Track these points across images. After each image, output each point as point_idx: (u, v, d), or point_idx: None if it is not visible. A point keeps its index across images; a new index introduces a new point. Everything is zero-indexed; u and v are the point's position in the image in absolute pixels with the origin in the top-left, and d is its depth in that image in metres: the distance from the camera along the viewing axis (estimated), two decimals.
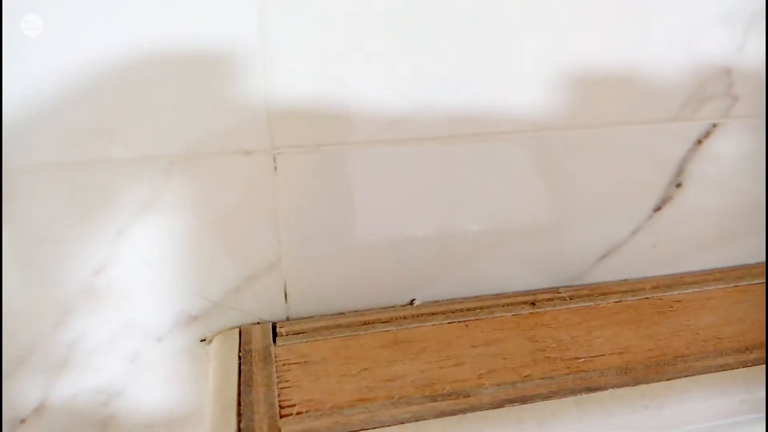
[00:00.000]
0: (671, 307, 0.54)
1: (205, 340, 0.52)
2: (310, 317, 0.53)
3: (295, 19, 0.45)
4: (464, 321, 0.52)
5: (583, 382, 0.44)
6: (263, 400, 0.43)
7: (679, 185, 0.57)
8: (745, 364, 0.46)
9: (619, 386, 0.44)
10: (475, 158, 0.52)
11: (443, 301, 0.55)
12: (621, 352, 0.47)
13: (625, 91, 0.53)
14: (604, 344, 0.48)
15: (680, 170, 0.57)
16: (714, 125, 0.56)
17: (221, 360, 0.49)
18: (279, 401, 0.43)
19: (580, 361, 0.46)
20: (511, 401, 0.42)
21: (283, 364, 0.47)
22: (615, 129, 0.54)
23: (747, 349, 0.48)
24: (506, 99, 0.51)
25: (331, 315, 0.53)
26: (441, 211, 0.53)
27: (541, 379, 0.44)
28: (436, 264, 0.55)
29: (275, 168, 0.49)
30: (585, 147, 0.54)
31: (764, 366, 0.45)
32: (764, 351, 0.47)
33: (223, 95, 0.46)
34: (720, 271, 0.60)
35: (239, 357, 0.48)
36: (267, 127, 0.48)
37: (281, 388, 0.44)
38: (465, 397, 0.43)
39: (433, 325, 0.52)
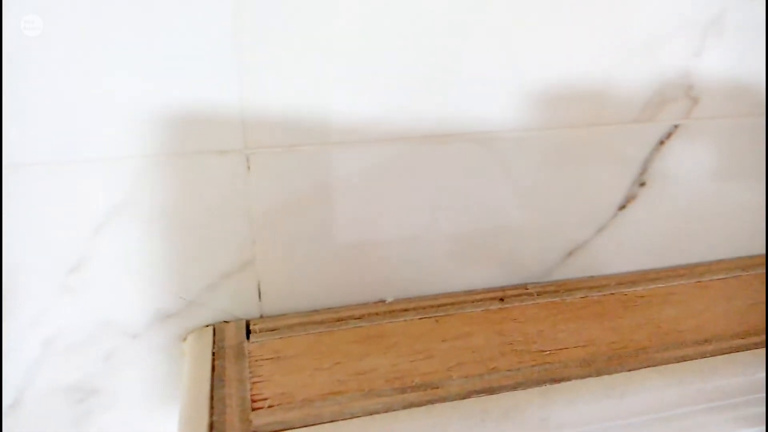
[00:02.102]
0: (635, 302, 0.56)
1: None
2: (283, 315, 0.54)
3: (268, 22, 0.47)
4: (435, 317, 0.54)
5: (547, 373, 0.45)
6: (235, 394, 0.44)
7: (642, 184, 0.59)
8: (703, 355, 0.47)
9: (582, 377, 0.45)
10: (445, 160, 0.53)
11: (414, 297, 0.57)
12: (585, 345, 0.49)
13: (588, 95, 0.55)
14: (569, 337, 0.50)
15: (644, 169, 0.59)
16: (675, 126, 0.58)
17: (195, 357, 0.49)
18: (251, 395, 0.44)
19: (545, 353, 0.48)
20: (478, 392, 0.44)
21: (256, 360, 0.48)
22: (579, 131, 0.56)
23: (706, 341, 0.50)
24: (473, 103, 0.52)
25: (305, 312, 0.54)
26: (413, 211, 0.54)
27: (508, 371, 0.46)
28: (408, 263, 0.56)
29: (248, 168, 0.50)
30: (550, 148, 0.56)
31: (722, 356, 0.47)
32: (722, 342, 0.49)
33: (197, 96, 0.47)
34: (683, 267, 0.62)
35: (213, 354, 0.49)
36: (241, 128, 0.49)
37: (254, 383, 0.45)
38: (433, 388, 0.44)
39: (405, 320, 0.53)
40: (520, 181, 0.56)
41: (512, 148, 0.55)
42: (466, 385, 0.44)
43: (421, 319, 0.53)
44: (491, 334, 0.51)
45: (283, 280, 0.54)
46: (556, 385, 0.44)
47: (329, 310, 0.55)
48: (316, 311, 0.55)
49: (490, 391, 0.44)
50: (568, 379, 0.45)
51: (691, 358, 0.47)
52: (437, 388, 0.44)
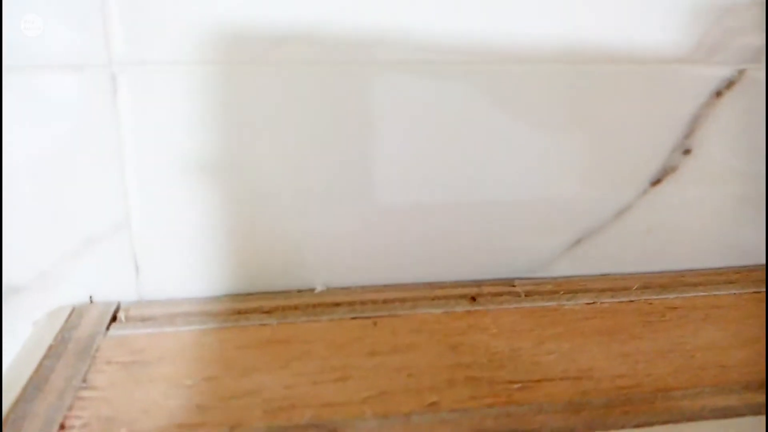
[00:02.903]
0: (663, 316, 0.39)
1: None
2: (168, 300, 0.39)
3: None
4: (374, 317, 0.38)
5: (509, 421, 0.30)
6: (42, 415, 0.30)
7: (687, 152, 0.42)
8: (757, 410, 0.31)
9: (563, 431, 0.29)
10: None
11: (356, 288, 0.41)
12: (578, 377, 0.33)
13: (619, 14, 0.38)
14: (557, 363, 0.34)
15: (690, 131, 0.42)
16: (740, 72, 0.41)
17: (27, 350, 0.35)
18: (63, 418, 0.29)
19: (514, 387, 0.32)
20: None
21: (103, 363, 0.34)
22: (602, 68, 0.39)
23: (761, 386, 0.33)
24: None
25: (197, 299, 0.40)
26: (356, 159, 0.39)
27: (451, 411, 0.30)
28: (348, 239, 0.41)
29: (115, 90, 0.35)
30: (559, 91, 0.40)
31: None
32: None
33: None
34: (736, 270, 0.45)
35: (49, 347, 0.35)
36: (103, 35, 0.34)
37: (78, 398, 0.31)
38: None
39: (331, 320, 0.38)
40: (515, 137, 0.40)
41: (505, 86, 0.38)
42: (384, 428, 0.29)
43: (354, 319, 0.38)
44: (444, 349, 0.35)
45: (169, 251, 0.39)
46: None
47: (231, 297, 0.40)
48: (213, 298, 0.40)
49: None
50: None
51: (737, 413, 0.31)
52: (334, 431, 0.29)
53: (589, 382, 0.33)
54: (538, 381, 0.33)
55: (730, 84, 0.41)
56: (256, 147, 0.38)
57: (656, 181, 0.43)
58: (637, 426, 0.30)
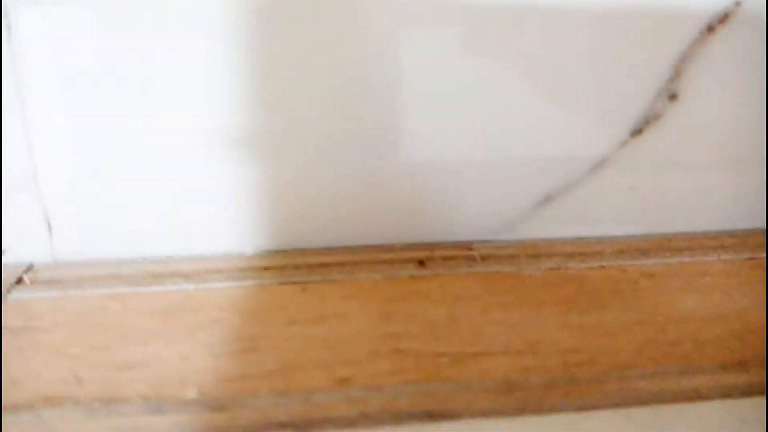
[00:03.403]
0: (636, 284, 0.34)
1: None
2: (83, 262, 0.36)
3: None
4: (304, 282, 0.34)
5: (427, 401, 0.25)
6: None
7: (673, 97, 0.37)
8: (737, 392, 0.26)
9: (488, 414, 0.24)
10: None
11: (292, 251, 0.37)
12: (521, 352, 0.28)
13: None
14: (500, 334, 0.29)
15: (677, 73, 0.36)
16: (736, 3, 0.35)
17: None
18: None
19: (443, 361, 0.27)
20: (294, 427, 0.24)
21: None
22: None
23: (744, 364, 0.28)
24: None
25: (114, 262, 0.36)
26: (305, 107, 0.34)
27: (362, 388, 0.26)
28: (290, 194, 0.36)
29: (9, 28, 0.31)
30: (531, 22, 0.34)
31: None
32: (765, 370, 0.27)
33: None
34: (731, 234, 0.39)
35: None
36: None
37: None
38: (219, 409, 0.25)
39: (256, 285, 0.34)
40: (473, 82, 0.35)
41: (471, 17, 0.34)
42: (278, 407, 0.25)
43: (282, 284, 0.34)
44: (375, 318, 0.31)
45: (85, 208, 0.35)
46: (433, 425, 0.24)
47: (151, 261, 0.36)
48: (130, 262, 0.36)
49: (308, 426, 0.24)
50: (460, 416, 0.24)
51: (704, 396, 0.26)
52: (224, 409, 0.25)
53: (533, 357, 0.28)
54: (474, 355, 0.28)
55: (724, 18, 0.35)
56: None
57: (637, 131, 0.37)
58: (579, 409, 0.25)
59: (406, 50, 0.34)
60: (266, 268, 0.35)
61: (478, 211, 0.38)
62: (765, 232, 0.38)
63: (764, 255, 0.36)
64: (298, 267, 0.35)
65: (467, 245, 0.38)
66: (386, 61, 0.34)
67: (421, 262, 0.36)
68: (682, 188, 0.38)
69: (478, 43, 0.34)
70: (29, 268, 0.35)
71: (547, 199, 0.38)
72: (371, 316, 0.31)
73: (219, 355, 0.28)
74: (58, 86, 0.33)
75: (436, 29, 0.34)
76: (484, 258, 0.36)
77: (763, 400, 0.25)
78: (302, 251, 0.37)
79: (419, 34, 0.34)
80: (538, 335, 0.29)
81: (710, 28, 0.36)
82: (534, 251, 0.37)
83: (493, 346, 0.29)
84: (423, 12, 0.33)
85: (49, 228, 0.36)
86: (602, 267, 0.36)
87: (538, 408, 0.25)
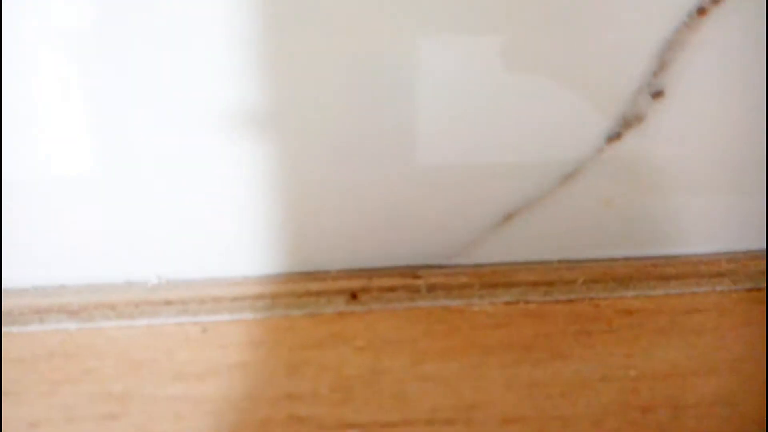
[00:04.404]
0: (610, 324, 0.28)
1: None
2: None
3: None
4: (207, 322, 0.28)
5: None
6: None
7: (658, 94, 0.30)
8: None
9: None
10: None
11: (204, 281, 0.31)
12: (451, 420, 0.22)
13: None
14: (430, 395, 0.24)
15: (662, 65, 0.30)
16: None
17: None
18: None
19: None
20: None
21: None
22: None
23: None
24: None
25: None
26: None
27: None
28: (207, 222, 0.31)
29: None
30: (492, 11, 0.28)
31: None
32: None
33: None
34: (729, 258, 0.33)
35: None
36: None
37: None
38: None
39: (149, 325, 0.28)
40: (432, 77, 0.29)
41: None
42: None
43: (179, 325, 0.28)
44: (281, 370, 0.25)
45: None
46: None
47: (38, 290, 0.30)
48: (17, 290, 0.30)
49: None
50: None
51: None
52: None
53: (465, 428, 0.22)
54: (390, 426, 0.22)
55: None
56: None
57: (615, 136, 0.31)
58: None
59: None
60: (168, 303, 0.30)
61: (426, 231, 0.32)
62: (765, 254, 0.32)
63: (764, 285, 0.30)
64: (204, 301, 0.30)
65: (413, 272, 0.32)
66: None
67: (353, 295, 0.30)
68: (669, 202, 0.32)
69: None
70: None
71: (509, 216, 0.32)
72: (275, 369, 0.25)
73: (70, 421, 0.23)
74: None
75: None
76: (431, 288, 0.30)
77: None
78: (216, 281, 0.31)
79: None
80: (475, 396, 0.24)
81: (700, 11, 0.29)
82: (490, 280, 0.31)
83: (417, 412, 0.23)
84: None
85: None
86: (570, 300, 0.29)
87: None
